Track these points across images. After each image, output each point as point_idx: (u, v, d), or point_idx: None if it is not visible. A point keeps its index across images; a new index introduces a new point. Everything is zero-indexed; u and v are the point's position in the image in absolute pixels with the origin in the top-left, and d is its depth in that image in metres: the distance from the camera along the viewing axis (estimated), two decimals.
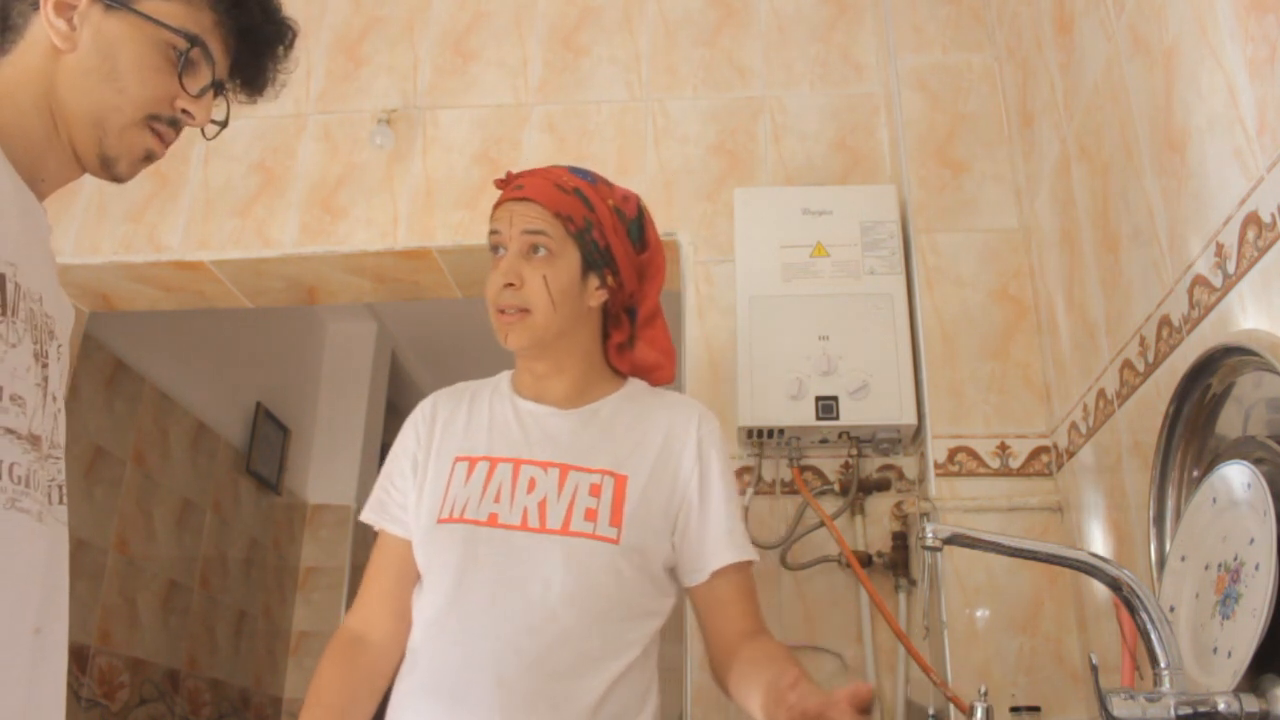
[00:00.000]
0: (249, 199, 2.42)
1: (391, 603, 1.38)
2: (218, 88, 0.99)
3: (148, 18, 0.92)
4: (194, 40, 0.94)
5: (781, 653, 1.27)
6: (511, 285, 1.35)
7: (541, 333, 1.37)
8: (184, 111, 0.96)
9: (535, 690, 1.21)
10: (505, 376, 1.49)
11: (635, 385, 1.49)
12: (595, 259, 1.39)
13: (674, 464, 1.38)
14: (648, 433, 1.40)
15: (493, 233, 1.40)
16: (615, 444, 1.38)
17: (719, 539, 1.36)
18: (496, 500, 1.32)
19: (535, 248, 1.36)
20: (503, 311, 1.36)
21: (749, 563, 1.39)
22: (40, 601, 0.82)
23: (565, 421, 1.40)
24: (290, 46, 1.04)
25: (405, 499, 1.41)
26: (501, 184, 1.43)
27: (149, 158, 0.96)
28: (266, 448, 3.89)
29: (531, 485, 1.32)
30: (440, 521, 1.33)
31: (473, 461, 1.36)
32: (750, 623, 1.36)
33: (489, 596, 1.26)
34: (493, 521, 1.30)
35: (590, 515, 1.30)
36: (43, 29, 0.90)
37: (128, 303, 2.58)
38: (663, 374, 1.52)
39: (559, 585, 1.26)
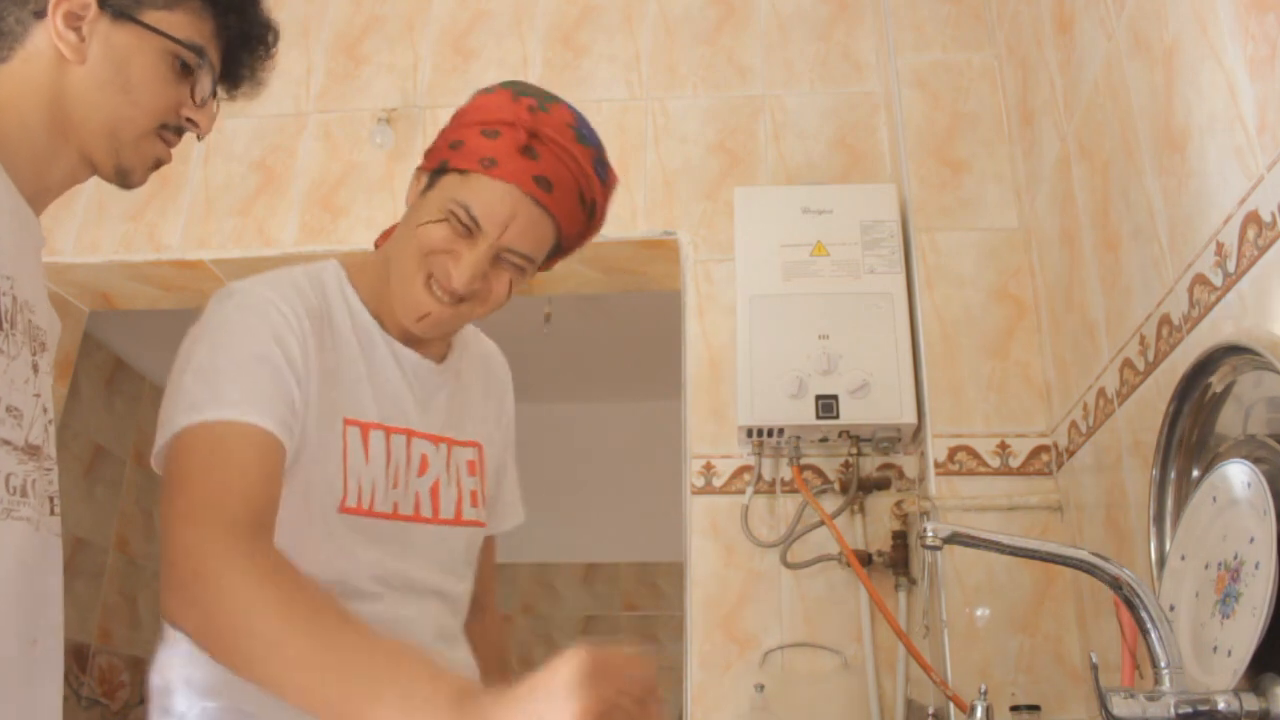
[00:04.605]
0: (249, 198, 2.42)
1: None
2: (215, 92, 1.00)
3: (156, 30, 0.92)
4: (201, 53, 0.95)
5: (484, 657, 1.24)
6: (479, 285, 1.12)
7: (463, 327, 1.24)
8: (189, 119, 0.96)
9: None
10: (344, 283, 1.16)
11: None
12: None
13: (503, 422, 1.31)
14: (485, 387, 1.30)
15: (476, 207, 1.08)
16: (472, 407, 1.25)
17: (513, 502, 1.34)
18: (395, 485, 1.12)
19: (515, 266, 1.13)
20: (445, 291, 1.11)
21: None
22: (35, 613, 0.81)
23: (442, 379, 1.21)
24: (275, 46, 1.06)
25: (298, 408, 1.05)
26: (528, 134, 1.09)
27: (158, 164, 0.97)
28: None
29: (424, 465, 1.15)
30: (345, 511, 1.08)
31: (365, 429, 1.11)
32: (491, 586, 1.34)
33: (397, 608, 1.09)
34: (395, 513, 1.12)
35: (474, 500, 1.21)
36: (46, 38, 0.88)
37: (128, 302, 2.58)
38: None
39: (457, 579, 1.19)
